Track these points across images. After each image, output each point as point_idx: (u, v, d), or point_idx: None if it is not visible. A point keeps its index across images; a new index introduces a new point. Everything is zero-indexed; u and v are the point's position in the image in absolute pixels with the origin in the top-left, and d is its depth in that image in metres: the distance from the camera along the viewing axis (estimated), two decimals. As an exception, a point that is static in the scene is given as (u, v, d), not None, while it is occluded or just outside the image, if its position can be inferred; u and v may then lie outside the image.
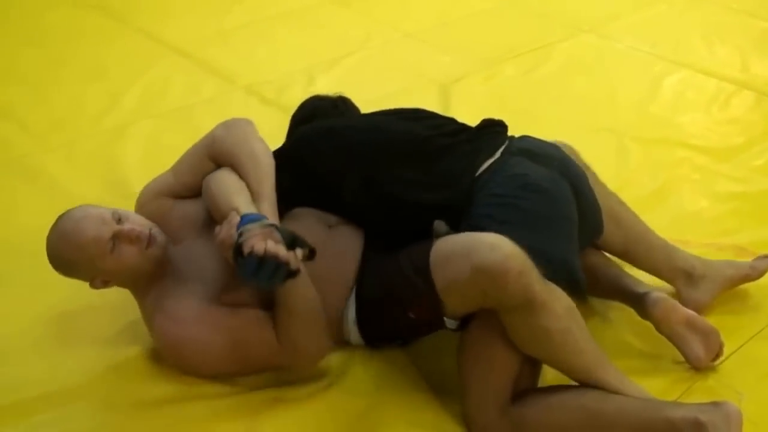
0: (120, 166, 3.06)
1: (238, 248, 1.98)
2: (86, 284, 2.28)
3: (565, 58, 4.11)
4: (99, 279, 2.27)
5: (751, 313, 2.53)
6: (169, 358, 2.30)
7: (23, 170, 3.20)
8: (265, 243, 1.98)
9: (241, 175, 2.31)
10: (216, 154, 2.38)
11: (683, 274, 2.49)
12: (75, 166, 3.13)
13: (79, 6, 4.69)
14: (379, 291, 2.23)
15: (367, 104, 3.59)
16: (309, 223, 2.32)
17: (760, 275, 2.53)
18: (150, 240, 2.25)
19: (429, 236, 2.22)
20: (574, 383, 2.13)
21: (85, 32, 4.44)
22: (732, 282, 2.51)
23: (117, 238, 2.20)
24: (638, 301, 2.37)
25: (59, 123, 3.51)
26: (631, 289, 2.41)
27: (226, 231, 2.08)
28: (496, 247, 2.00)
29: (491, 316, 2.08)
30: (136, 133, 3.42)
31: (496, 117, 3.55)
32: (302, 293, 2.16)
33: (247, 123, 2.45)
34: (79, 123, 3.51)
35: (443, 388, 2.27)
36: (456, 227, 2.23)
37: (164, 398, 2.25)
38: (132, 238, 2.22)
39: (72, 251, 2.22)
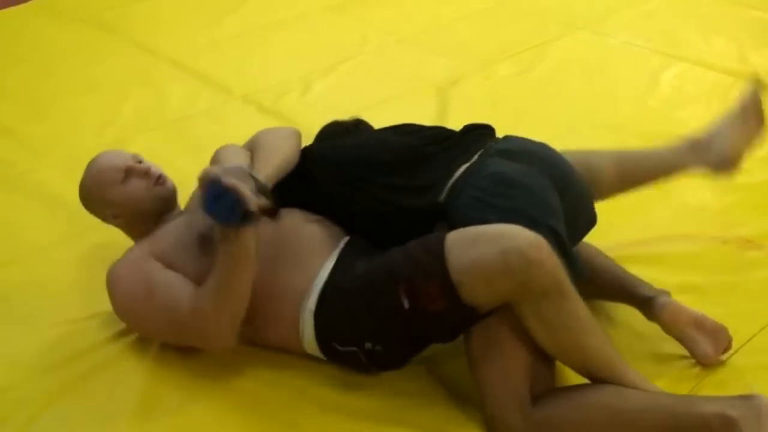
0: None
1: (212, 179, 2.08)
2: (84, 310, 2.40)
3: (561, 55, 4.11)
4: (109, 212, 2.50)
5: (757, 305, 2.51)
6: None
7: (25, 187, 3.21)
8: (234, 179, 2.08)
9: (254, 156, 2.40)
10: (251, 143, 2.51)
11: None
12: (76, 181, 3.11)
13: (74, 21, 4.70)
14: (356, 281, 2.19)
15: (365, 109, 3.60)
16: (290, 216, 2.36)
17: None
18: (159, 178, 2.49)
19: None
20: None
21: (77, 46, 4.44)
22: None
23: (130, 171, 2.47)
24: (644, 304, 2.37)
25: (58, 139, 3.50)
26: (636, 292, 2.40)
27: (215, 168, 2.16)
28: (523, 231, 2.02)
29: (493, 318, 2.08)
30: (135, 146, 3.34)
31: (495, 117, 3.55)
32: (244, 274, 2.20)
33: (294, 131, 2.57)
34: (77, 138, 3.50)
35: (461, 393, 2.27)
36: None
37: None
38: (142, 173, 2.47)
39: (90, 177, 2.52)
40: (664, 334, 2.34)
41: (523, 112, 3.62)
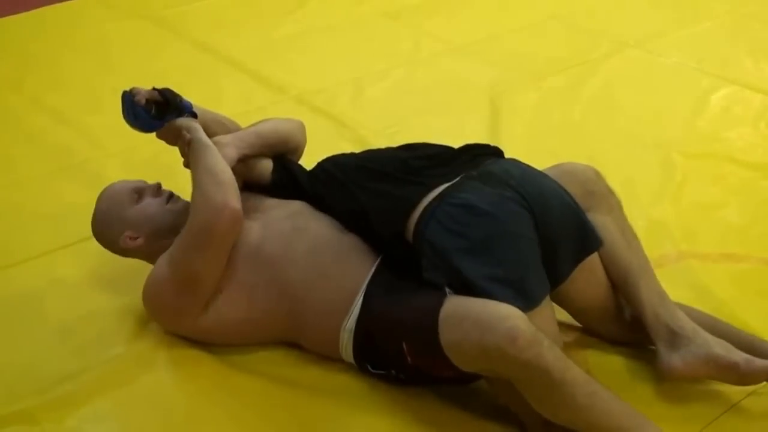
0: (176, 175, 3.09)
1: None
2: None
3: (612, 72, 4.12)
4: (126, 234, 2.50)
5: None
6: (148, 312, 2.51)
7: (83, 176, 3.29)
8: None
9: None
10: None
11: (668, 332, 2.26)
12: (133, 173, 3.18)
13: (136, 17, 4.78)
14: (376, 320, 2.26)
15: (415, 115, 3.67)
16: (323, 222, 2.45)
17: (750, 376, 2.19)
18: (171, 196, 2.56)
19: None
20: None
21: (135, 41, 4.52)
22: (716, 362, 2.19)
23: (141, 191, 2.54)
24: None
25: (115, 130, 3.51)
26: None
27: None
28: (501, 321, 1.99)
29: None
30: (190, 141, 3.47)
31: (543, 129, 3.63)
32: (203, 161, 2.38)
33: (298, 121, 2.75)
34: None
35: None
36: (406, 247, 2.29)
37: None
38: (154, 190, 2.55)
39: (104, 203, 2.55)
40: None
41: (572, 126, 3.65)
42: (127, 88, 2.50)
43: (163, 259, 2.39)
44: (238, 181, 2.42)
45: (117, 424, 2.34)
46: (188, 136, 2.44)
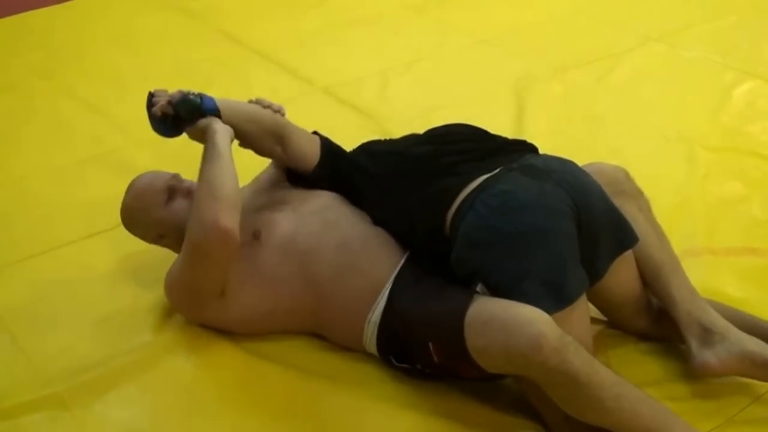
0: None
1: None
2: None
3: (635, 66, 4.12)
4: (154, 232, 2.53)
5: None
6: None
7: (114, 164, 3.34)
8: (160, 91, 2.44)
9: None
10: None
11: (700, 329, 2.25)
12: (163, 163, 3.20)
13: (166, 8, 4.82)
14: (403, 315, 2.27)
15: (440, 108, 3.69)
16: (353, 215, 2.48)
17: None
18: None
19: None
20: None
21: (170, 34, 4.56)
22: (752, 359, 2.18)
23: (172, 190, 2.49)
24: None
25: (146, 120, 3.58)
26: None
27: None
28: (525, 326, 1.99)
29: None
30: (219, 132, 3.50)
31: (567, 123, 3.63)
32: (206, 171, 2.33)
33: None
34: (165, 121, 3.62)
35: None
36: (444, 241, 2.29)
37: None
38: (185, 192, 2.48)
39: (132, 200, 2.53)
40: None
41: (596, 119, 3.65)
42: (152, 90, 2.49)
43: (178, 259, 2.42)
44: (278, 168, 2.50)
45: (144, 410, 2.38)
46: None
